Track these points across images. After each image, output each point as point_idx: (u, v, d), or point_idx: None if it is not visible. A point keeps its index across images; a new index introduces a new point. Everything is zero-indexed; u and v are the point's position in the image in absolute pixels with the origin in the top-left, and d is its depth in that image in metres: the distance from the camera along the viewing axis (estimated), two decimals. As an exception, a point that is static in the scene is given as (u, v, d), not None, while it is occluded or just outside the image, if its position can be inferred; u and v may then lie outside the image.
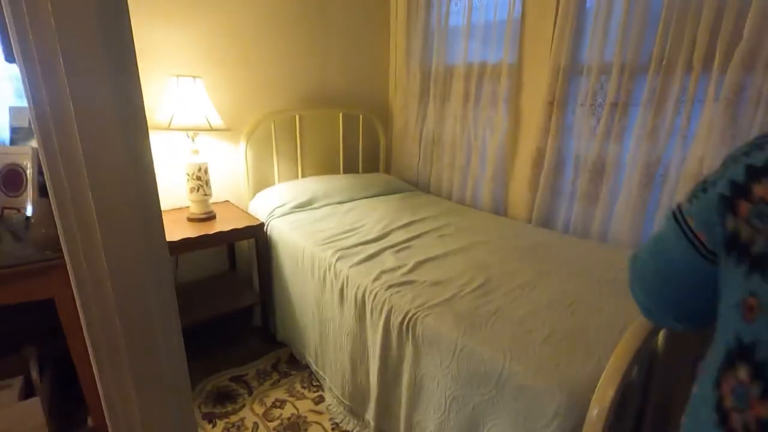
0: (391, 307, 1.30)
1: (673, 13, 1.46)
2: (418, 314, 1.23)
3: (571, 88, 1.81)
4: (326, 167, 2.56)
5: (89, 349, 0.71)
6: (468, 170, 2.30)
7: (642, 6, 1.53)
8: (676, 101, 1.49)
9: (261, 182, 2.32)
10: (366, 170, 2.70)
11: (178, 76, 1.72)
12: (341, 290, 1.51)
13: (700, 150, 1.44)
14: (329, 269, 1.58)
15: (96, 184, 0.62)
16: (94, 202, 0.62)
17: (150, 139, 0.73)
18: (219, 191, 2.20)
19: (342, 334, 1.53)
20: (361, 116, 2.57)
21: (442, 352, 1.14)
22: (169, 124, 1.68)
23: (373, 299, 1.37)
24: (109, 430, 0.78)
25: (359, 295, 1.42)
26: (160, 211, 0.81)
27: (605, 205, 1.74)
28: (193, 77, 1.75)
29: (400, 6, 2.52)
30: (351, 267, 1.52)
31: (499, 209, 2.19)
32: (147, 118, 0.68)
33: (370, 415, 1.46)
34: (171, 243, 1.65)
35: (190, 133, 1.82)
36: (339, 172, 2.58)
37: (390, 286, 1.37)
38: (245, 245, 2.29)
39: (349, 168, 2.64)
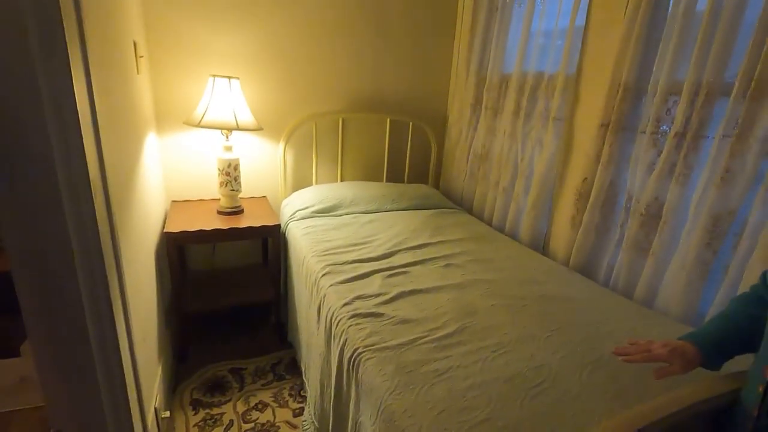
0: (346, 340, 1.19)
1: (774, 20, 1.08)
2: (363, 354, 1.10)
3: (632, 111, 1.46)
4: (369, 173, 2.49)
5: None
6: (511, 193, 2.03)
7: (730, 14, 1.15)
8: (764, 138, 1.10)
9: (301, 182, 2.35)
10: (413, 181, 2.57)
11: (214, 76, 1.80)
12: (318, 308, 1.44)
13: (792, 208, 1.05)
14: (315, 283, 1.52)
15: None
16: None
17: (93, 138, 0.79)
18: (258, 187, 2.28)
19: (317, 353, 1.46)
20: (411, 124, 2.44)
21: (372, 405, 1.01)
22: (199, 122, 1.77)
23: (336, 325, 1.27)
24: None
25: (329, 317, 1.34)
26: (94, 210, 0.84)
27: (657, 260, 1.37)
28: (229, 78, 1.82)
29: (466, 8, 2.33)
30: (332, 286, 1.43)
31: (539, 244, 1.89)
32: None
33: (330, 444, 1.37)
34: (184, 233, 1.75)
35: (224, 130, 1.91)
36: (382, 180, 2.50)
37: (354, 315, 1.25)
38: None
39: (394, 177, 2.54)
